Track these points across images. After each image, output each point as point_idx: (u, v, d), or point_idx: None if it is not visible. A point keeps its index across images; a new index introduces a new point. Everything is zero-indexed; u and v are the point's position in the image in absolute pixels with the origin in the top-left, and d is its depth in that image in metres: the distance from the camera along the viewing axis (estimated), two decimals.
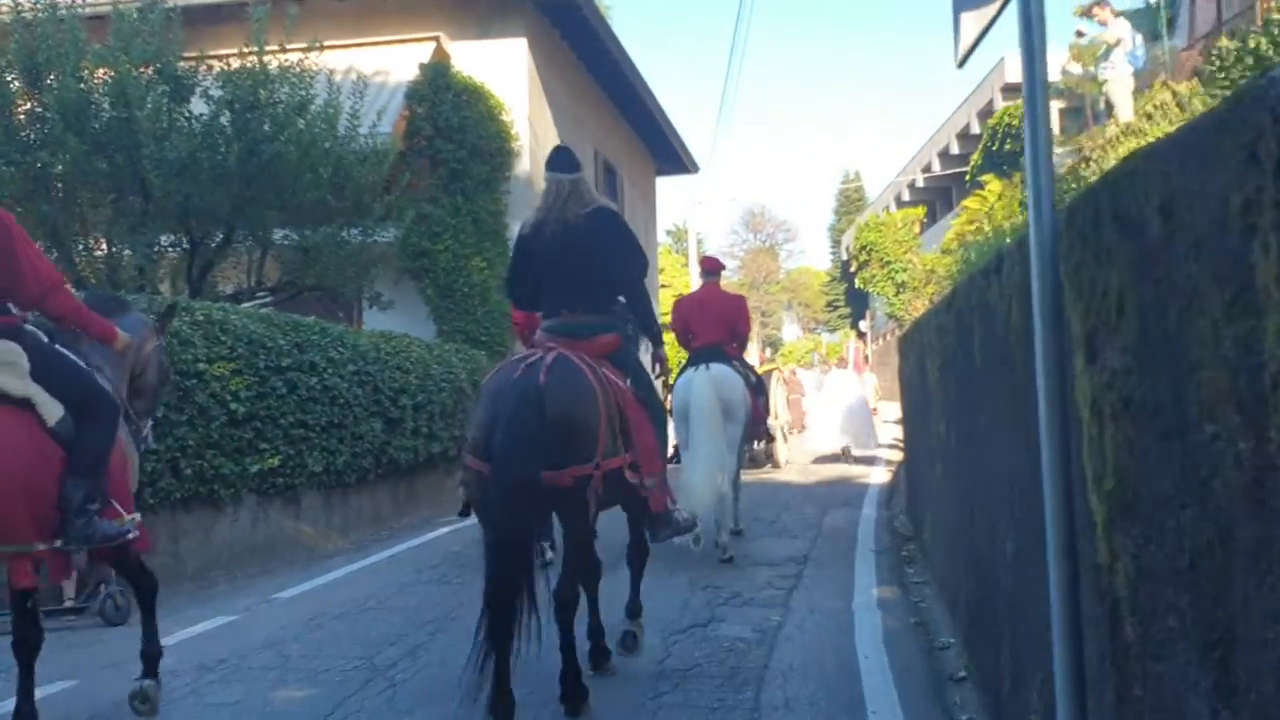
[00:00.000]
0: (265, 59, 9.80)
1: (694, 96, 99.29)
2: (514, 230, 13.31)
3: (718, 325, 7.65)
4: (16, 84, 9.26)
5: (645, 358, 5.20)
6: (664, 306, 16.65)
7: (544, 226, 4.48)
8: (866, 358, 28.43)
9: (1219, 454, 1.47)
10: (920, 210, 26.99)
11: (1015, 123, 15.51)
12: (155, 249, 9.81)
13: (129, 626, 5.53)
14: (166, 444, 6.86)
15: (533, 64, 14.23)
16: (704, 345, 7.54)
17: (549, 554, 5.98)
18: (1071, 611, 2.08)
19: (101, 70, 9.23)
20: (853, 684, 4.38)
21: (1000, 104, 23.51)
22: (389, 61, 13.15)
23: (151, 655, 4.26)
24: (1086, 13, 9.98)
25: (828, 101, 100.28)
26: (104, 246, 9.77)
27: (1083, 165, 8.08)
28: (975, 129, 26.86)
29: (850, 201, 58.63)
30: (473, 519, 4.36)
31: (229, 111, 9.53)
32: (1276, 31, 6.83)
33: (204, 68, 9.87)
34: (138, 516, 4.11)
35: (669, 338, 7.12)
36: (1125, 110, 8.60)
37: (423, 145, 13.23)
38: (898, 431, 14.10)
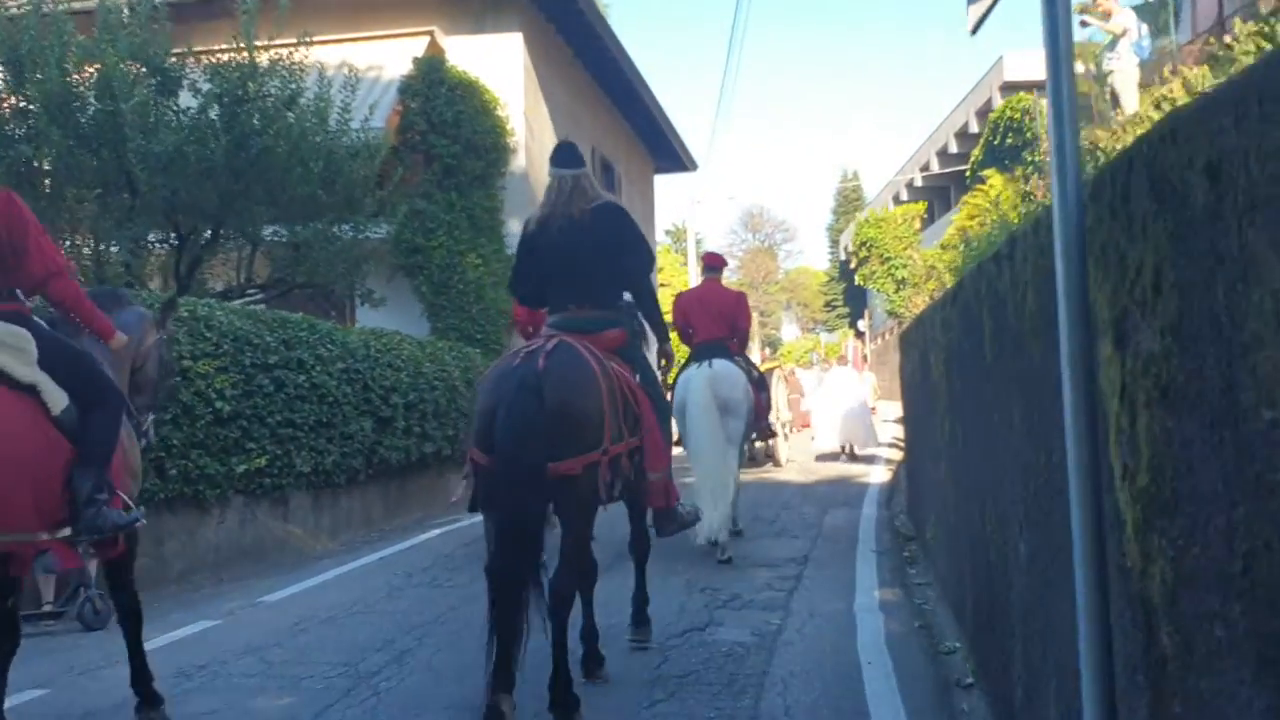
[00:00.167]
0: (255, 53, 9.62)
1: (692, 93, 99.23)
2: (510, 227, 13.25)
3: (718, 321, 7.64)
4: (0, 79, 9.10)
5: (650, 354, 5.13)
6: (663, 306, 16.47)
7: (550, 222, 4.46)
8: (865, 357, 28.33)
9: (1278, 443, 1.30)
10: (921, 205, 26.84)
11: (1017, 116, 15.35)
12: (142, 245, 9.64)
13: (107, 631, 5.39)
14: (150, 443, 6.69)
15: (528, 59, 14.07)
16: (705, 341, 7.53)
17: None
18: (1100, 618, 1.90)
19: (89, 66, 9.06)
20: (855, 691, 4.23)
21: (999, 103, 23.36)
22: (382, 56, 12.99)
23: (144, 688, 4.09)
24: (1086, 8, 9.81)
25: (826, 97, 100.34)
26: (91, 243, 9.59)
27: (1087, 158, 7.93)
28: (974, 128, 26.71)
29: (848, 201, 58.53)
30: (474, 517, 4.26)
31: (217, 105, 9.35)
32: None
33: (191, 60, 9.69)
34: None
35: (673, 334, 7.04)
36: (1131, 102, 8.45)
37: (416, 140, 13.07)
38: (897, 430, 13.97)
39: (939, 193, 33.43)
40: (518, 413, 3.75)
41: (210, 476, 7.37)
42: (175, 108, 9.34)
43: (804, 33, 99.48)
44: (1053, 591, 2.74)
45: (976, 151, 18.05)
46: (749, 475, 9.76)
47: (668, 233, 51.86)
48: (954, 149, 30.11)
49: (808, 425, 17.99)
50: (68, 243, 9.52)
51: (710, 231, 71.88)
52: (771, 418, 10.15)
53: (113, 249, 9.48)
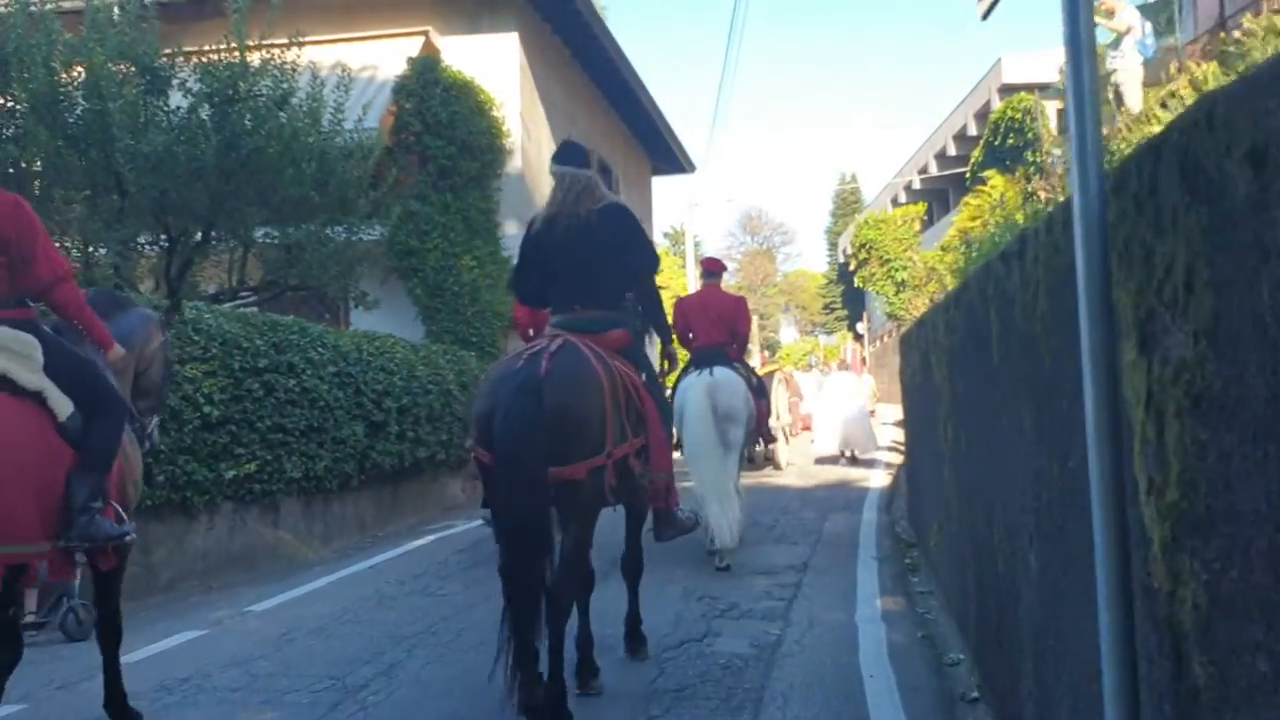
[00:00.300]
0: (246, 52, 9.49)
1: (690, 94, 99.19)
2: (506, 229, 13.12)
3: (718, 326, 7.61)
4: None
5: (653, 354, 5.07)
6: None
7: (556, 221, 4.40)
8: (864, 360, 28.23)
9: None
10: (921, 207, 26.72)
11: (1018, 117, 15.23)
12: (132, 247, 9.49)
13: (90, 643, 5.24)
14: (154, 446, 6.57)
15: (524, 59, 13.94)
16: (704, 346, 7.51)
17: None
18: (1125, 640, 1.77)
19: (77, 65, 8.93)
20: (857, 705, 4.11)
21: (997, 105, 23.26)
22: (376, 56, 12.87)
23: (116, 707, 3.98)
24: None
25: (824, 98, 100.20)
26: (79, 245, 9.45)
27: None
28: (972, 130, 26.64)
29: (847, 204, 58.44)
30: (468, 523, 4.20)
31: (208, 105, 9.21)
32: None
33: (182, 60, 9.55)
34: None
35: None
36: (1135, 101, 8.33)
37: (411, 141, 12.94)
38: (896, 433, 13.85)
39: (937, 195, 33.34)
40: (515, 416, 3.71)
41: (198, 483, 7.22)
42: (165, 107, 9.18)
43: (803, 34, 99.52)
44: (1066, 605, 2.61)
45: (977, 153, 17.96)
46: (748, 479, 9.63)
47: (666, 235, 51.76)
48: (952, 151, 30.04)
49: (808, 428, 17.93)
50: (56, 245, 9.37)
51: (708, 234, 71.98)
52: (771, 421, 10.09)
53: (102, 251, 9.35)
